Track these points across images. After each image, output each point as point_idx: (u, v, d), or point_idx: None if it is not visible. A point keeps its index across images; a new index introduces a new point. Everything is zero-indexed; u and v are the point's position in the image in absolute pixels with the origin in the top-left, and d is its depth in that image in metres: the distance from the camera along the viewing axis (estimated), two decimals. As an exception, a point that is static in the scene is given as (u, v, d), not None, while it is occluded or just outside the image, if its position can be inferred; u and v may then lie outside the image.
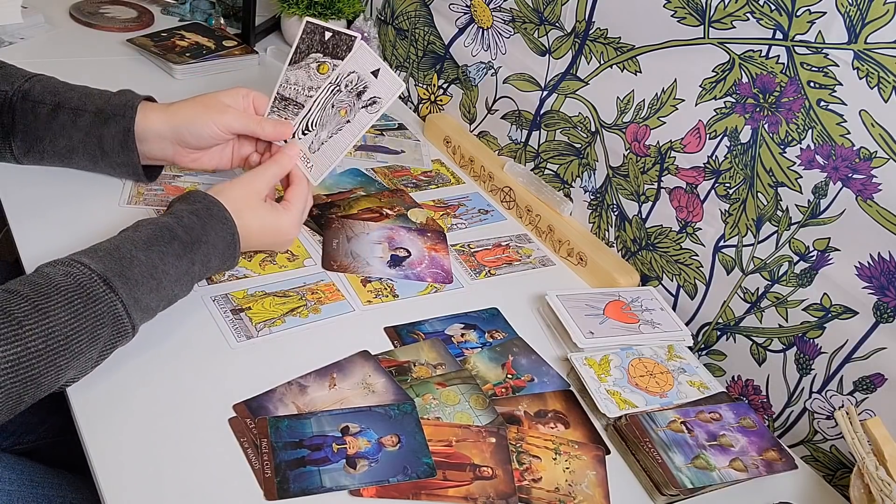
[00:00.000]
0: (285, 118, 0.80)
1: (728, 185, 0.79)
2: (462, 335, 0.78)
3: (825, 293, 0.73)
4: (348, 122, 0.77)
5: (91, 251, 0.61)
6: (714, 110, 0.78)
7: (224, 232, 0.68)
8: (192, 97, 0.78)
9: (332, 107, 0.78)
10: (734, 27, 0.74)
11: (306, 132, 0.79)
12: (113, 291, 0.58)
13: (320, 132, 0.78)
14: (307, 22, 0.79)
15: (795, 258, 0.75)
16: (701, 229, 0.83)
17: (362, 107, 0.77)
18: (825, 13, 0.67)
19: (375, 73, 0.76)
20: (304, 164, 0.79)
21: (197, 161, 0.80)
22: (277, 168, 0.76)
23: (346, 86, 0.77)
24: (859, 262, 0.70)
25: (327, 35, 0.78)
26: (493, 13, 1.01)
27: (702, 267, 0.84)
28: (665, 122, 0.83)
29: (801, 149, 0.72)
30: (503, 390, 0.72)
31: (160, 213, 0.71)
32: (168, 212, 0.68)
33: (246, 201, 0.72)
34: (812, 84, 0.69)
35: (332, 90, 0.78)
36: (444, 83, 1.14)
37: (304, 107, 0.79)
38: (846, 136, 0.68)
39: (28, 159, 0.78)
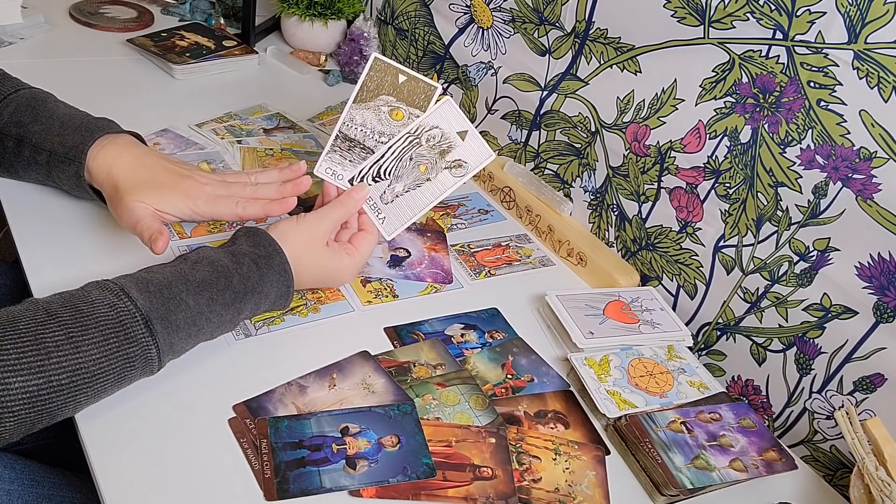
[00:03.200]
0: (350, 160, 0.77)
1: (728, 185, 0.79)
2: (462, 335, 0.78)
3: (825, 293, 0.73)
4: (428, 179, 0.76)
5: (142, 282, 0.59)
6: (714, 110, 0.78)
7: (280, 283, 0.67)
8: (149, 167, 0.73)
9: (411, 159, 0.75)
10: (734, 27, 0.74)
11: (377, 179, 0.76)
12: (151, 335, 0.57)
13: (395, 183, 0.76)
14: (375, 59, 0.76)
15: (795, 258, 0.75)
16: (701, 229, 0.83)
17: (445, 167, 0.75)
18: (825, 13, 0.67)
19: (462, 135, 0.74)
20: (374, 214, 0.77)
21: None
22: (342, 211, 0.75)
23: (428, 140, 0.75)
24: (859, 262, 0.70)
25: (401, 78, 0.75)
26: (493, 13, 1.01)
27: (702, 267, 0.84)
28: (665, 122, 0.83)
29: (801, 149, 0.72)
30: (503, 390, 0.72)
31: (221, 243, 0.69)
32: (231, 247, 0.67)
33: (307, 246, 0.70)
34: (812, 84, 0.69)
35: (411, 141, 0.75)
36: (445, 83, 1.14)
37: (373, 152, 0.76)
38: (846, 136, 0.68)
39: (13, 179, 0.78)
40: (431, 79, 0.76)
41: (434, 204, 0.77)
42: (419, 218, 0.77)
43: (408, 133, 0.76)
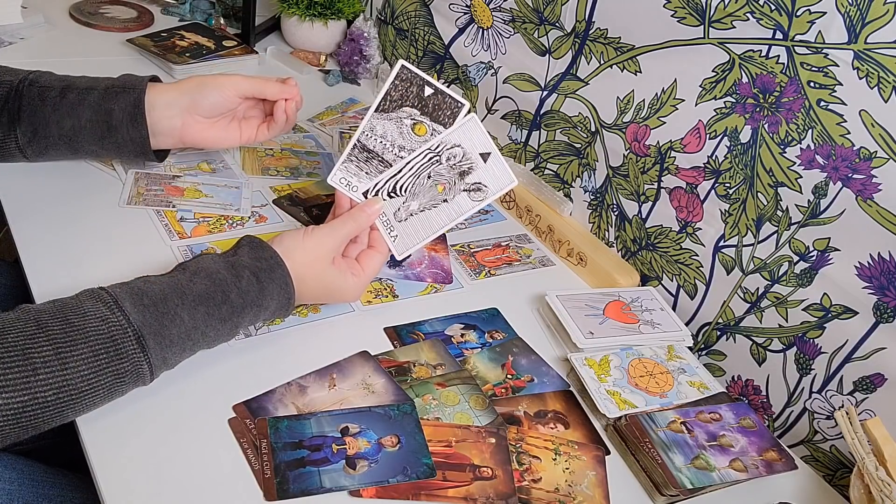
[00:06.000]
0: (366, 172, 0.74)
1: (728, 185, 0.79)
2: (462, 335, 0.78)
3: (825, 293, 0.73)
4: (445, 200, 0.73)
5: (138, 294, 0.58)
6: (714, 110, 0.78)
7: (280, 296, 0.66)
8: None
9: (429, 177, 0.72)
10: (734, 27, 0.74)
11: (393, 195, 0.73)
12: (143, 351, 0.56)
13: (410, 201, 0.73)
14: (402, 66, 0.72)
15: (795, 258, 0.75)
16: (701, 229, 0.83)
17: (464, 190, 0.72)
18: (825, 13, 0.67)
19: (484, 157, 0.71)
20: (387, 231, 0.74)
21: (203, 134, 0.80)
22: (354, 225, 0.72)
23: (448, 159, 0.71)
24: (859, 262, 0.70)
25: (427, 91, 0.72)
26: (493, 13, 1.01)
27: (702, 267, 0.84)
28: (665, 122, 0.83)
29: (801, 149, 0.72)
30: (503, 390, 0.72)
31: (211, 250, 0.70)
32: (233, 258, 0.65)
33: (312, 266, 0.68)
34: (812, 84, 0.69)
35: (430, 157, 0.72)
36: (445, 83, 1.14)
37: (391, 165, 0.73)
38: (846, 136, 0.68)
39: (33, 148, 0.76)
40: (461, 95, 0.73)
41: (449, 227, 0.74)
42: (432, 240, 0.75)
43: (428, 149, 0.73)
